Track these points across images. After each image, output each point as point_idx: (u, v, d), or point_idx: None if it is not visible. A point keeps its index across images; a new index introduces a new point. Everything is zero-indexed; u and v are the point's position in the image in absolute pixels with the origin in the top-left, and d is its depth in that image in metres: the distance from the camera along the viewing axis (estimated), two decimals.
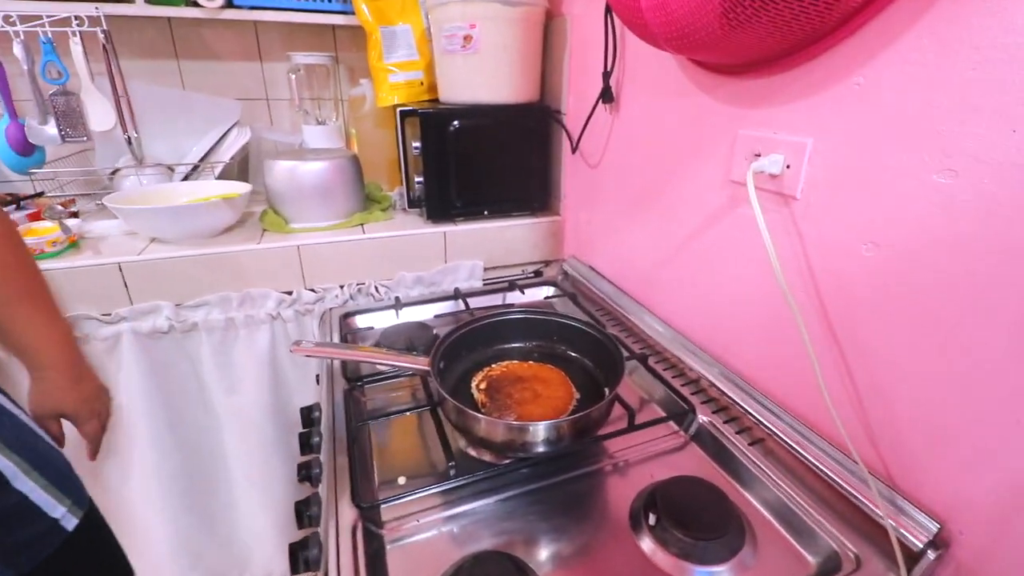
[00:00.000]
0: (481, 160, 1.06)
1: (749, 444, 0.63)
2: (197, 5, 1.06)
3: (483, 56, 0.98)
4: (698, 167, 0.72)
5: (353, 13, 1.11)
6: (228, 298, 0.94)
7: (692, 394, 0.71)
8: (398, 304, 0.96)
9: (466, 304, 0.96)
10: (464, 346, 0.75)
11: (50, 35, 1.01)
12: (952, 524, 0.47)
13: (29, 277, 0.62)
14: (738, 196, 0.66)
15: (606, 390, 0.69)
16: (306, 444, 0.72)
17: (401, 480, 0.60)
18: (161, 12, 1.06)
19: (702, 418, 0.67)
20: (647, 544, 0.52)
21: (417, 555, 0.52)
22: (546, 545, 0.53)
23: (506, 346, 0.79)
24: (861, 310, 0.52)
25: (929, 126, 0.43)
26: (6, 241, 0.58)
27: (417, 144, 1.01)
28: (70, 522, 0.61)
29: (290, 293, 0.98)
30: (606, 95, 0.88)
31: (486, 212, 1.11)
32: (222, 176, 1.18)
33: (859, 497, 0.51)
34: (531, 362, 0.76)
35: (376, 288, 1.03)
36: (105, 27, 1.02)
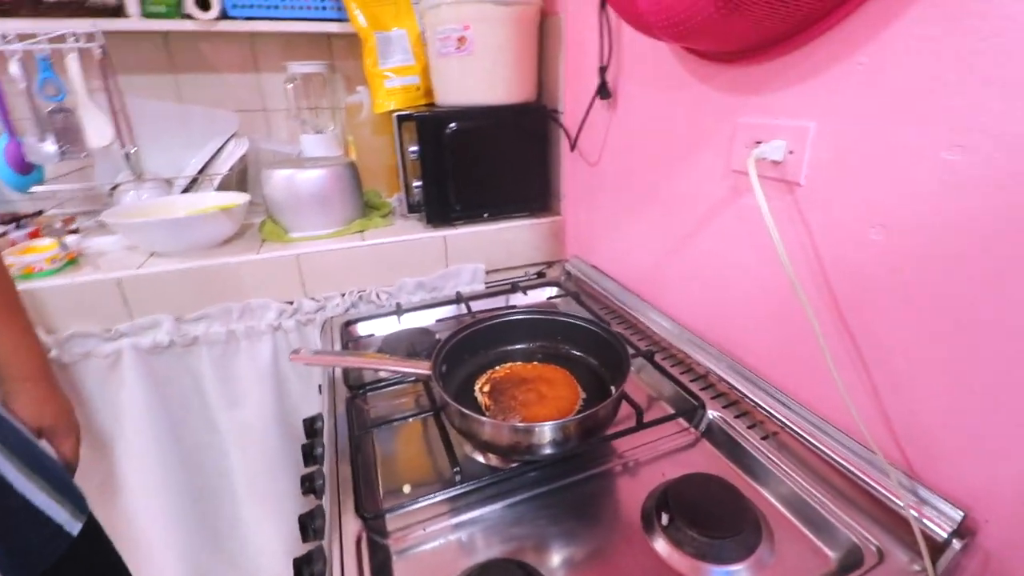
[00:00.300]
0: (479, 162, 1.05)
1: (762, 438, 0.61)
2: (192, 18, 1.06)
3: (478, 57, 0.97)
4: (699, 158, 0.71)
5: (348, 21, 1.11)
6: (229, 310, 0.93)
7: (701, 389, 0.69)
8: (400, 310, 0.95)
9: (468, 308, 0.95)
10: (466, 349, 0.74)
11: (47, 52, 1.01)
12: (977, 513, 0.45)
13: (4, 290, 0.63)
14: (740, 185, 0.64)
15: (612, 388, 0.67)
16: (309, 455, 0.70)
17: (406, 488, 0.59)
18: (157, 26, 1.06)
19: (712, 414, 0.66)
20: (661, 545, 0.50)
21: (424, 565, 0.50)
22: (557, 550, 0.51)
23: (509, 348, 0.78)
24: (872, 295, 0.51)
25: (936, 101, 0.42)
26: None
27: (415, 148, 1.00)
28: (74, 527, 0.61)
29: (291, 303, 0.97)
30: (603, 91, 0.87)
31: (486, 214, 1.10)
32: (221, 188, 1.18)
33: (878, 488, 0.49)
34: (535, 363, 0.75)
35: (377, 295, 1.02)
36: (102, 43, 1.02)
